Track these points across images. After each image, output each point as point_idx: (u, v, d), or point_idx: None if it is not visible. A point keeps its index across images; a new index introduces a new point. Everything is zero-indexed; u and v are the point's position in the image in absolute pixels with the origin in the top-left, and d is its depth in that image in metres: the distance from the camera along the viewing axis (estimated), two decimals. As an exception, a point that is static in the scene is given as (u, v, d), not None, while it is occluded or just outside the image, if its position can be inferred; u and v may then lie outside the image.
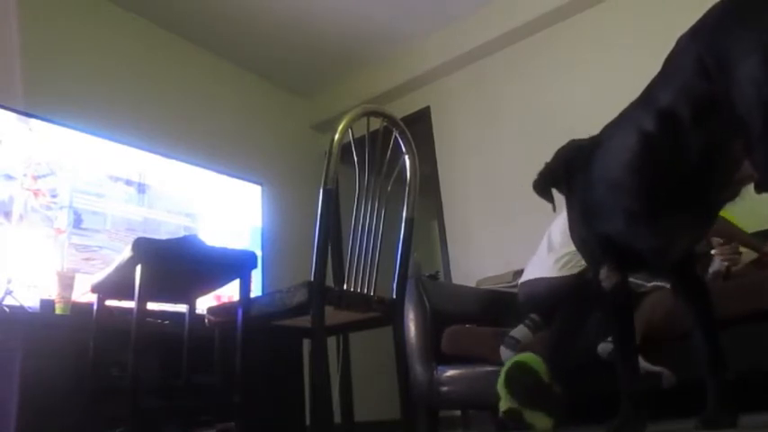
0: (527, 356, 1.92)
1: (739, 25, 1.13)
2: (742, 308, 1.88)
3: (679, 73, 1.26)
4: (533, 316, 2.37)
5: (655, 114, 1.29)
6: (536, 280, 2.34)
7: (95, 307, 1.99)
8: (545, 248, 2.44)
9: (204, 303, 2.26)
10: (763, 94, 1.05)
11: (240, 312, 1.79)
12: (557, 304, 2.21)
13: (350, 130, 1.62)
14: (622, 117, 1.49)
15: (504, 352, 2.29)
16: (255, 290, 2.91)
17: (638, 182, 1.37)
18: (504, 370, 1.91)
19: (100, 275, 1.97)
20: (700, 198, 1.33)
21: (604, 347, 1.98)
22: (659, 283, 2.09)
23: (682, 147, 1.23)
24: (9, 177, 2.56)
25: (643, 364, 1.88)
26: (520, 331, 2.33)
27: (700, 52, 1.18)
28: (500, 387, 1.89)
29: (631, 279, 2.10)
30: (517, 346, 2.28)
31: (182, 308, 2.30)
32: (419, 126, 4.13)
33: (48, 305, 2.41)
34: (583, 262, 2.17)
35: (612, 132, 1.50)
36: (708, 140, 1.20)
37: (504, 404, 1.87)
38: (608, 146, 1.49)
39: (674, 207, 1.36)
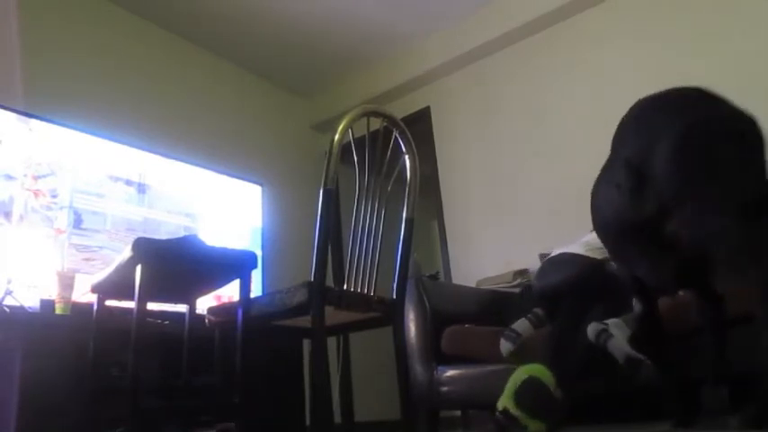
0: (538, 369, 1.91)
1: (659, 115, 1.43)
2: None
3: (622, 147, 1.55)
4: (537, 310, 2.37)
5: (614, 182, 1.55)
6: (559, 254, 2.34)
7: (95, 307, 1.99)
8: (578, 241, 2.45)
9: (204, 303, 2.26)
10: (673, 171, 1.33)
11: (240, 312, 1.79)
12: (569, 284, 2.21)
13: (350, 131, 1.62)
14: (601, 175, 1.74)
15: (503, 344, 2.30)
16: (255, 290, 2.91)
17: (615, 230, 1.62)
18: (515, 382, 1.90)
19: (100, 275, 1.97)
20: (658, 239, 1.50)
21: (593, 328, 1.99)
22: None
23: (635, 205, 1.46)
24: (9, 177, 2.56)
25: (627, 348, 1.89)
26: (521, 324, 2.32)
27: (637, 130, 1.49)
28: (507, 393, 1.89)
29: None
30: (518, 340, 2.28)
31: (182, 308, 2.30)
32: (419, 126, 4.13)
33: (48, 305, 2.41)
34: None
35: (597, 186, 1.76)
36: (649, 201, 1.42)
37: (502, 405, 1.87)
38: (596, 198, 1.75)
39: (641, 248, 1.57)
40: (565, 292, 2.22)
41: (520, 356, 2.25)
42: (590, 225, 2.75)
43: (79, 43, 3.36)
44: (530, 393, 1.86)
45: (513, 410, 1.84)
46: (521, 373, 1.91)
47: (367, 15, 3.87)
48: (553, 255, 2.39)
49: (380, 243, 1.73)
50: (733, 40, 3.05)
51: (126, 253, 1.73)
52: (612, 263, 2.21)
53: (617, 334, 1.94)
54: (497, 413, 1.87)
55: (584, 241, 2.36)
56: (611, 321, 2.00)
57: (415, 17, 3.92)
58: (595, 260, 2.23)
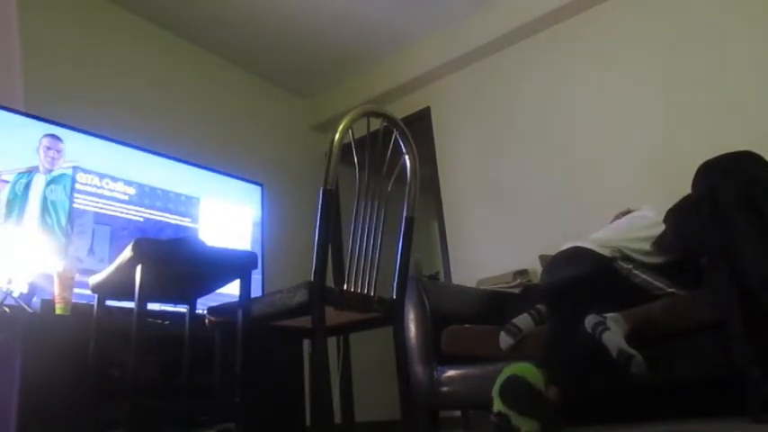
0: (524, 368, 1.93)
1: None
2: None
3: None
4: (539, 307, 2.37)
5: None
6: (571, 248, 2.33)
7: (95, 307, 1.99)
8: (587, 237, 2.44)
9: (204, 303, 2.26)
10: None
11: (240, 313, 1.79)
12: (579, 280, 2.21)
13: (350, 131, 1.62)
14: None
15: (503, 338, 2.30)
16: (256, 290, 2.91)
17: None
18: (499, 380, 1.92)
19: (100, 276, 1.97)
20: None
21: (591, 320, 2.00)
22: (677, 291, 2.12)
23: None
24: (9, 179, 2.56)
25: (620, 343, 1.89)
26: (523, 320, 2.33)
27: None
28: (494, 393, 1.91)
29: (653, 281, 2.14)
30: (518, 335, 2.28)
31: (182, 308, 2.30)
32: (419, 126, 4.13)
33: (48, 306, 2.41)
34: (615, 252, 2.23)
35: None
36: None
37: (496, 407, 1.89)
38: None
39: None
40: (574, 287, 2.22)
41: (519, 352, 2.26)
42: (589, 224, 2.76)
43: (79, 43, 3.36)
44: (512, 392, 1.87)
45: (503, 409, 1.85)
46: (504, 373, 1.92)
47: (367, 15, 3.87)
48: (564, 248, 2.39)
49: (380, 243, 1.73)
50: (736, 38, 3.05)
51: (126, 253, 1.72)
52: (620, 261, 2.23)
53: (613, 328, 1.95)
54: (492, 415, 1.88)
55: (595, 238, 2.37)
56: (609, 315, 2.01)
57: (415, 17, 3.92)
58: (606, 257, 2.23)
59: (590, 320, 2.00)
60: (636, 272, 2.20)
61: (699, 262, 2.00)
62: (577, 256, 2.28)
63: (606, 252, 2.24)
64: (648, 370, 1.85)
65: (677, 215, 2.12)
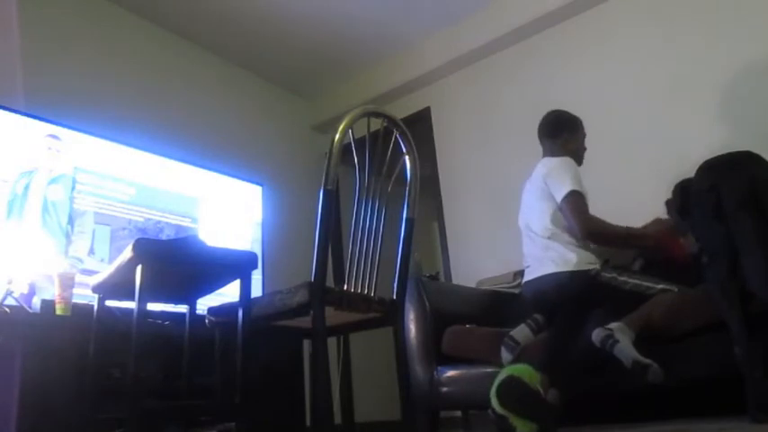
0: (521, 369, 1.93)
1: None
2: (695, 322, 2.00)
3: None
4: (537, 316, 2.36)
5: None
6: (546, 276, 2.32)
7: (96, 308, 1.99)
8: (540, 237, 2.41)
9: (205, 304, 2.26)
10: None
11: (241, 313, 1.79)
12: (563, 300, 2.21)
13: (350, 131, 1.61)
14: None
15: (504, 354, 2.29)
16: (256, 290, 2.91)
17: None
18: (496, 381, 1.92)
19: (100, 276, 1.97)
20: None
21: (598, 334, 1.99)
22: (667, 287, 2.11)
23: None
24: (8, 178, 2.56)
25: (633, 354, 1.89)
26: (521, 332, 2.31)
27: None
28: (491, 394, 1.91)
29: (642, 282, 2.13)
30: (517, 349, 2.27)
31: (182, 308, 2.30)
32: (419, 126, 4.13)
33: (48, 306, 2.41)
34: (590, 260, 2.21)
35: None
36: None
37: (494, 407, 1.89)
38: None
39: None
40: (560, 303, 2.22)
41: (521, 360, 2.25)
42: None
43: (80, 43, 3.36)
44: (509, 393, 1.87)
45: (500, 409, 1.85)
46: (502, 373, 1.92)
47: (367, 16, 3.87)
48: (542, 274, 2.36)
49: (381, 243, 1.73)
50: (736, 37, 3.05)
51: (127, 253, 1.72)
52: (603, 273, 2.23)
53: (622, 339, 1.94)
54: (491, 412, 1.89)
55: (552, 242, 2.34)
56: (614, 326, 1.99)
57: (415, 17, 3.92)
58: (588, 274, 2.22)
59: (597, 335, 1.99)
60: (623, 278, 2.20)
61: (699, 259, 2.00)
62: (559, 278, 2.28)
63: (583, 266, 2.23)
64: (664, 376, 1.84)
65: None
